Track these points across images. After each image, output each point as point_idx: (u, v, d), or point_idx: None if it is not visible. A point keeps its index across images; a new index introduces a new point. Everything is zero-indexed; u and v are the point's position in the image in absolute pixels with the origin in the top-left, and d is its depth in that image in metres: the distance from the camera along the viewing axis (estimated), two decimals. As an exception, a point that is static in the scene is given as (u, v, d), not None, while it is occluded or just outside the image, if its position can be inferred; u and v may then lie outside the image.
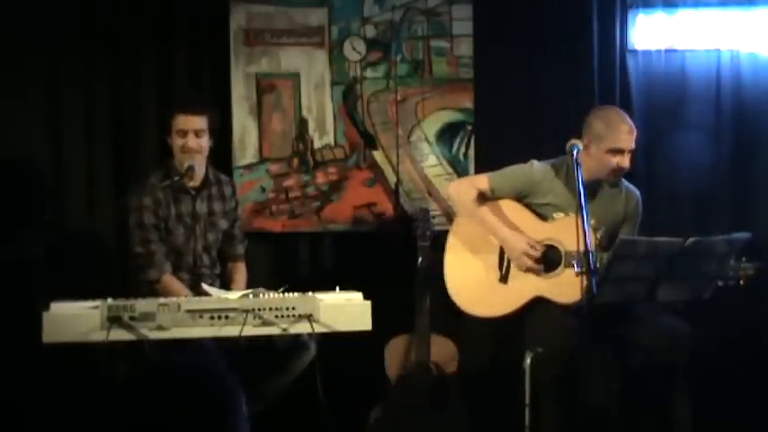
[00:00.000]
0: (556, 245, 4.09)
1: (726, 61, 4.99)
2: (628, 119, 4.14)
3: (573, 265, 3.97)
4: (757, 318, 4.89)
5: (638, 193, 4.31)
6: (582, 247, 3.59)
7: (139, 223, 4.18)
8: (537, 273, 4.08)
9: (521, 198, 4.22)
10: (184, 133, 4.19)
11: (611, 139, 4.06)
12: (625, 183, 4.28)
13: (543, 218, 4.18)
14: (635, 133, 4.11)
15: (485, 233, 4.20)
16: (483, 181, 4.27)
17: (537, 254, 4.07)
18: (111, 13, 4.82)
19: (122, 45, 4.83)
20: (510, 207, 4.22)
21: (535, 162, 4.26)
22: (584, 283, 3.57)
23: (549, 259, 4.09)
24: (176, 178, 4.19)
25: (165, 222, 4.22)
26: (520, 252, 4.08)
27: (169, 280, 4.17)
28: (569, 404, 3.89)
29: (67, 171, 4.80)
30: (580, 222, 3.64)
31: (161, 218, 4.21)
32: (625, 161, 4.09)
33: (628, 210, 4.25)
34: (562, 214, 4.14)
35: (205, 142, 4.24)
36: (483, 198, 4.24)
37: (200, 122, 4.21)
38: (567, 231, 4.05)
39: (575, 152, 3.88)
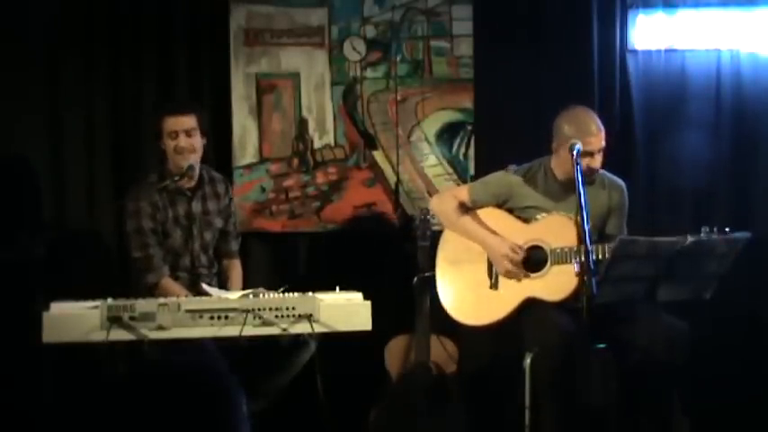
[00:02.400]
0: (541, 244, 4.10)
1: (726, 61, 4.99)
2: (596, 119, 4.13)
3: (559, 262, 4.00)
4: (757, 318, 4.89)
5: (621, 183, 4.31)
6: (581, 247, 3.60)
7: (137, 228, 4.19)
8: (519, 277, 4.09)
9: (501, 204, 4.24)
10: (175, 134, 4.21)
11: (580, 141, 4.03)
12: (607, 176, 4.27)
13: (526, 220, 4.19)
14: (603, 133, 4.11)
15: (470, 245, 4.22)
16: (463, 192, 4.33)
17: (518, 257, 4.08)
18: (111, 13, 4.82)
19: (122, 45, 4.83)
20: (492, 214, 4.24)
21: (512, 167, 4.30)
22: (579, 281, 3.58)
23: (535, 259, 4.10)
24: (176, 178, 4.20)
25: (163, 226, 4.23)
26: (501, 255, 4.11)
27: (168, 283, 4.18)
28: (568, 404, 3.89)
29: (67, 171, 4.81)
30: (579, 222, 3.64)
31: (158, 221, 4.22)
32: (594, 162, 4.08)
33: (612, 202, 4.26)
34: (545, 214, 4.16)
35: (197, 141, 4.26)
36: (465, 208, 4.28)
37: (188, 122, 4.23)
38: (550, 230, 4.08)
39: (575, 152, 3.88)
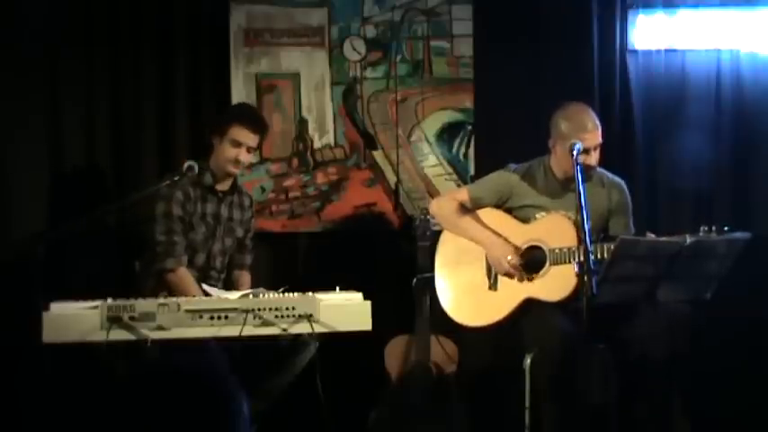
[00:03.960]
0: (539, 245, 4.10)
1: (726, 61, 4.99)
2: (592, 115, 4.12)
3: (558, 262, 4.00)
4: (757, 318, 4.89)
5: (621, 182, 4.30)
6: (581, 247, 3.60)
7: (167, 213, 4.20)
8: (518, 278, 4.09)
9: (501, 204, 4.24)
10: (239, 144, 4.25)
11: (576, 139, 4.02)
12: (607, 175, 4.27)
13: (525, 221, 4.19)
14: (600, 129, 4.10)
15: (469, 247, 4.22)
16: (463, 193, 4.33)
17: (515, 261, 4.08)
18: (111, 13, 4.82)
19: (122, 45, 4.84)
20: (491, 215, 4.24)
21: (511, 166, 4.29)
22: (578, 280, 3.59)
23: (534, 260, 4.10)
24: (176, 177, 4.19)
25: (190, 218, 4.25)
26: (499, 255, 4.11)
27: (184, 273, 4.19)
28: (568, 404, 3.89)
29: (67, 171, 4.80)
30: (578, 221, 3.64)
31: (187, 212, 4.24)
32: (591, 159, 4.07)
33: (612, 202, 4.25)
34: (544, 213, 4.16)
35: (252, 157, 4.36)
36: (465, 209, 4.27)
37: (256, 140, 4.30)
38: (548, 230, 4.08)
39: (575, 151, 3.88)
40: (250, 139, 4.26)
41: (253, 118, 4.36)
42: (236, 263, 4.48)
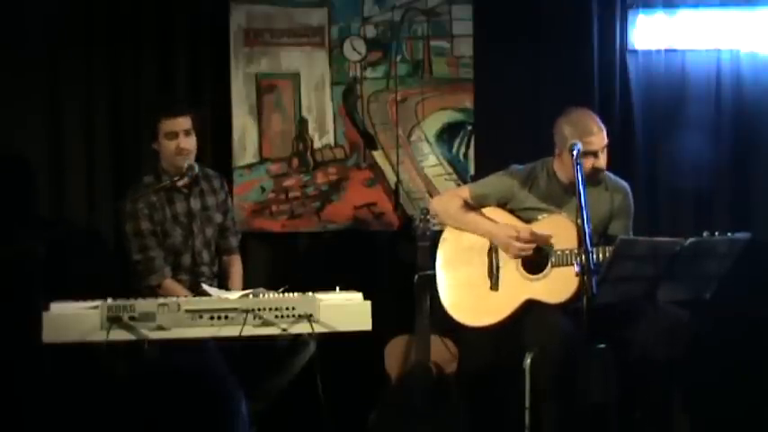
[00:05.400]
0: (542, 245, 4.09)
1: (726, 61, 4.99)
2: (595, 118, 4.11)
3: (561, 264, 3.99)
4: (757, 318, 4.89)
5: (625, 186, 4.28)
6: (581, 247, 3.60)
7: (136, 231, 4.19)
8: (527, 269, 4.07)
9: (503, 205, 4.23)
10: (175, 135, 4.22)
11: (582, 142, 4.00)
12: (611, 178, 4.25)
13: (528, 221, 4.18)
14: (605, 131, 4.08)
15: (470, 246, 4.21)
16: (464, 191, 4.33)
17: (526, 235, 4.07)
18: (111, 13, 4.82)
19: (122, 45, 4.84)
20: (494, 214, 4.24)
21: (513, 167, 4.28)
22: (579, 281, 3.59)
23: (536, 261, 4.09)
24: (176, 178, 4.20)
25: (162, 225, 4.24)
26: (508, 238, 4.09)
27: (170, 285, 4.18)
28: (568, 404, 3.89)
29: (67, 171, 4.81)
30: (579, 222, 3.64)
31: (157, 222, 4.22)
32: (599, 162, 4.06)
33: (614, 206, 4.23)
34: (546, 214, 4.15)
35: (194, 141, 4.29)
36: (468, 207, 4.27)
37: (186, 123, 4.25)
38: (551, 231, 4.07)
39: (575, 152, 3.87)
40: (179, 124, 4.22)
41: (171, 104, 4.38)
42: (223, 248, 4.45)
